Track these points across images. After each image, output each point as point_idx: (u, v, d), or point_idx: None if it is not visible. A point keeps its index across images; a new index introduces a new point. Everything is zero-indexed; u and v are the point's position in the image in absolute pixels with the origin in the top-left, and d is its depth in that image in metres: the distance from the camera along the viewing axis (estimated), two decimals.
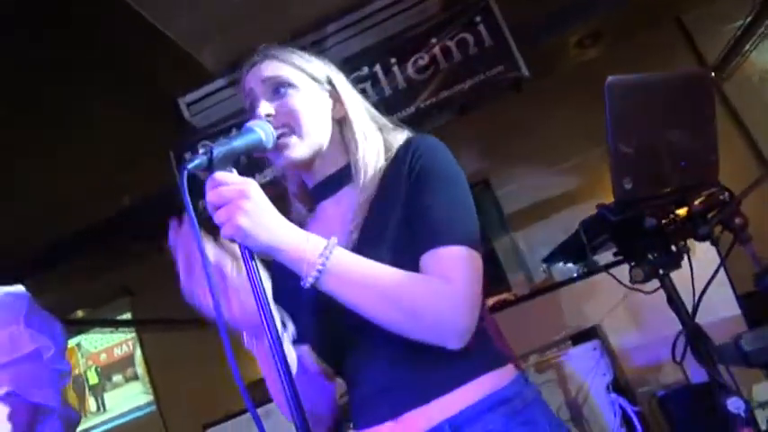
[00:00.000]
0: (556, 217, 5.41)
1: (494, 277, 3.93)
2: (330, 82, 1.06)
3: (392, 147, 1.04)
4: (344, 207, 1.01)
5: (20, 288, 1.27)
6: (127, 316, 6.66)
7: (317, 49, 3.53)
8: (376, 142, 1.04)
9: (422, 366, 0.89)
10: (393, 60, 3.51)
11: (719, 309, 3.01)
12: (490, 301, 3.14)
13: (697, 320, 1.41)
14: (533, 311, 3.17)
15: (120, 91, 3.73)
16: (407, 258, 0.88)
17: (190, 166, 0.80)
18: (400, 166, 0.97)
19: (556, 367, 2.58)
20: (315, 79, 1.05)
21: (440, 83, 3.44)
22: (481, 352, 0.92)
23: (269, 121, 0.96)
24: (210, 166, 0.83)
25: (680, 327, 1.39)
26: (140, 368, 6.72)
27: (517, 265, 5.04)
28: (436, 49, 3.47)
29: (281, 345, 0.78)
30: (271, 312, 0.79)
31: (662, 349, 2.96)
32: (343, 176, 1.03)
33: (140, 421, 6.67)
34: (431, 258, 0.87)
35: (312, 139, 1.00)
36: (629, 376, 3.05)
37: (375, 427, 0.92)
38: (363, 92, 3.51)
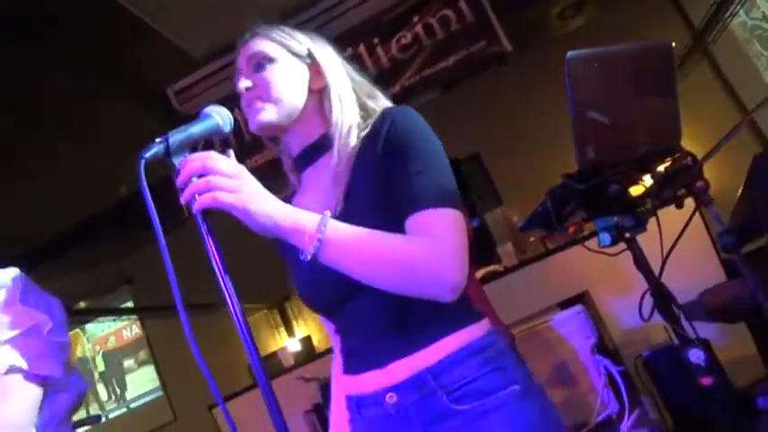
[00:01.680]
0: (547, 187, 5.45)
1: (484, 249, 4.01)
2: (310, 55, 1.10)
3: (374, 114, 1.07)
4: (324, 176, 1.05)
5: (13, 270, 1.30)
6: (129, 304, 6.75)
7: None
8: (353, 109, 1.07)
9: (407, 320, 0.98)
10: (376, 40, 3.55)
11: (705, 274, 3.08)
12: (479, 274, 3.21)
13: (684, 287, 1.49)
14: (523, 281, 3.24)
15: (113, 84, 3.77)
16: (392, 224, 0.94)
17: (147, 154, 0.84)
18: (376, 137, 1.00)
19: (543, 333, 2.67)
20: (295, 53, 1.09)
21: (424, 60, 3.48)
22: (459, 308, 0.99)
23: (246, 94, 1.04)
24: (168, 154, 0.86)
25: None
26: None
27: (509, 237, 5.11)
28: (419, 27, 3.51)
29: (243, 312, 0.85)
30: (230, 282, 0.85)
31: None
32: (322, 145, 1.07)
33: (149, 406, 6.80)
34: (419, 219, 0.93)
35: (282, 104, 1.05)
36: (617, 338, 3.14)
37: (363, 373, 1.02)
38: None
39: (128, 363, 6.97)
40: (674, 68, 1.54)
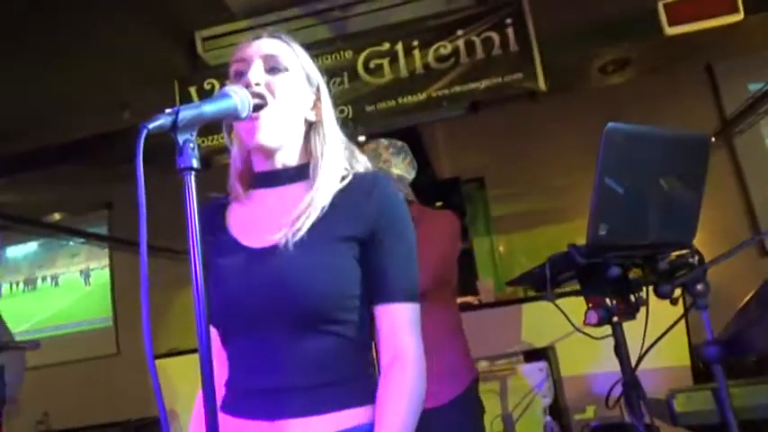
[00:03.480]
0: (540, 229, 5.45)
1: (464, 278, 3.96)
2: (318, 87, 1.09)
3: (349, 166, 1.09)
4: (289, 201, 1.02)
5: None
6: (103, 230, 6.64)
7: (343, 13, 3.50)
8: (340, 154, 1.07)
9: (317, 383, 0.93)
10: (416, 43, 3.48)
11: (671, 355, 3.08)
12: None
13: (646, 362, 1.46)
14: (495, 320, 3.21)
15: (144, 11, 3.67)
16: (340, 275, 0.96)
17: (150, 125, 0.79)
18: (363, 195, 1.02)
19: (502, 379, 2.63)
20: (308, 78, 1.08)
21: (456, 76, 3.42)
22: (369, 384, 0.99)
23: (254, 88, 0.98)
24: (174, 129, 0.81)
25: None
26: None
27: (491, 268, 5.09)
28: (460, 42, 3.44)
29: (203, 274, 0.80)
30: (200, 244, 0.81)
31: (608, 383, 3.04)
32: (298, 173, 1.05)
33: (95, 333, 6.72)
34: (388, 312, 0.99)
35: (281, 126, 1.02)
36: (570, 402, 3.13)
37: (247, 420, 0.95)
38: (380, 67, 3.49)
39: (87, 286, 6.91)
40: (707, 163, 1.49)
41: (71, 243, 6.53)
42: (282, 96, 1.01)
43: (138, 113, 4.70)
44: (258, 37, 1.05)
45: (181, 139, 0.82)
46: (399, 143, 2.13)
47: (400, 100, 3.42)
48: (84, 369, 6.35)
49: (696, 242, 1.53)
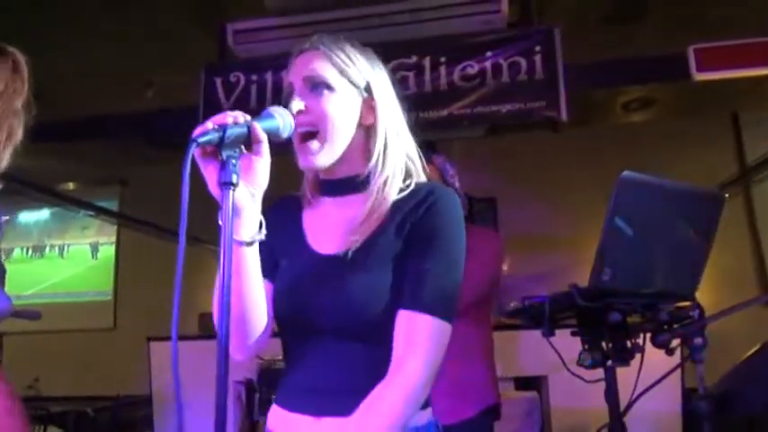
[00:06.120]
0: (547, 256, 5.43)
1: None
2: (368, 88, 1.05)
3: (411, 172, 1.07)
4: (349, 212, 1.04)
5: None
6: (113, 205, 6.69)
7: (376, 22, 3.52)
8: (397, 159, 1.05)
9: (365, 387, 0.94)
10: (443, 59, 3.49)
11: (662, 399, 3.05)
12: None
13: (638, 405, 1.46)
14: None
15: None
16: (390, 292, 0.96)
17: (201, 140, 0.81)
18: (419, 206, 1.01)
19: None
20: (354, 84, 1.04)
21: (480, 97, 3.43)
22: None
23: (297, 117, 0.99)
24: (220, 145, 0.84)
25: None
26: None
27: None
28: (488, 63, 3.45)
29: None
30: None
31: (597, 419, 3.02)
32: (357, 183, 1.05)
33: (94, 305, 6.76)
34: (407, 319, 0.95)
35: (334, 146, 1.02)
36: None
37: (296, 413, 0.99)
38: (404, 80, 3.49)
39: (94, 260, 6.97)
40: (718, 221, 1.49)
41: (81, 213, 6.59)
42: (327, 118, 1.01)
43: (162, 94, 4.74)
44: (302, 51, 1.05)
45: (225, 154, 0.85)
46: None
47: (421, 114, 3.43)
48: (79, 340, 6.39)
49: (701, 288, 1.53)
